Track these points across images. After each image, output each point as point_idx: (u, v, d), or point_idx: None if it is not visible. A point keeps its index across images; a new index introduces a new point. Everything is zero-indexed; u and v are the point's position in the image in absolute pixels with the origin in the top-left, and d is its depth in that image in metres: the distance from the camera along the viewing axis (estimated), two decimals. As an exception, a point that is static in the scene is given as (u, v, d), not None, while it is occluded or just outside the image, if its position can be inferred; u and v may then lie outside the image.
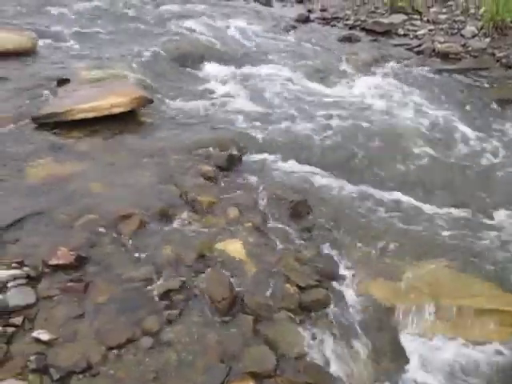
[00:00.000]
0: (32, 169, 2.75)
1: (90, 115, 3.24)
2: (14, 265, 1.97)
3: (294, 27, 6.62)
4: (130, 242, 2.25)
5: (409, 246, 2.50)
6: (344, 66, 5.17)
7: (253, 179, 2.91)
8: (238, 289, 2.05)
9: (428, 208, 2.86)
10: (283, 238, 2.44)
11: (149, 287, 2.00)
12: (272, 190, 2.79)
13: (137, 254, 2.18)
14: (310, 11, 7.60)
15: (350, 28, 6.78)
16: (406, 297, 2.18)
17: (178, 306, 1.94)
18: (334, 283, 2.24)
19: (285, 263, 2.23)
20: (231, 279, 2.09)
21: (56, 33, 5.16)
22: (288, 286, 2.10)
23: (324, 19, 7.18)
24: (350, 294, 2.20)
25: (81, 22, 5.72)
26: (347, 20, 7.15)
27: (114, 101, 3.31)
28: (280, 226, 2.55)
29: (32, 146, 2.97)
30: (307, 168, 3.10)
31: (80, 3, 6.51)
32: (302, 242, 2.44)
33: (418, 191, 3.06)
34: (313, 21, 7.12)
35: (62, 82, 3.74)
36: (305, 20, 7.03)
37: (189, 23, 6.12)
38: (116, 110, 3.31)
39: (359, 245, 2.48)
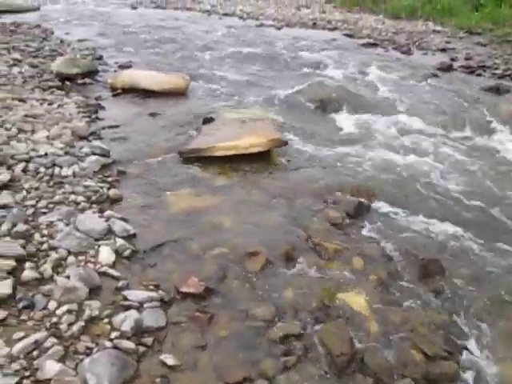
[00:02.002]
0: (173, 198, 2.99)
1: (229, 153, 3.46)
2: (150, 287, 2.14)
3: (436, 75, 6.40)
4: (255, 279, 2.30)
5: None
6: (489, 118, 4.84)
7: (381, 230, 2.81)
8: (358, 346, 1.96)
9: None
10: (411, 298, 2.29)
11: (269, 328, 2.01)
12: (401, 244, 2.66)
13: (260, 293, 2.22)
14: (453, 59, 7.34)
15: (499, 78, 6.36)
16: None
17: (295, 353, 1.91)
18: (466, 358, 2.01)
19: (411, 326, 2.08)
20: (352, 334, 2.00)
21: (206, 75, 5.70)
22: (414, 352, 1.95)
23: (468, 68, 6.85)
24: (483, 374, 1.96)
25: (228, 66, 6.24)
26: (496, 69, 6.73)
27: (252, 141, 3.51)
28: (408, 283, 2.40)
29: (175, 178, 3.25)
30: (442, 225, 2.89)
31: (228, 48, 7.14)
32: (432, 305, 2.26)
33: None
34: (456, 69, 6.84)
35: (208, 120, 4.07)
36: (447, 68, 6.79)
37: (327, 69, 6.32)
38: (253, 150, 3.49)
39: (499, 318, 2.21)
